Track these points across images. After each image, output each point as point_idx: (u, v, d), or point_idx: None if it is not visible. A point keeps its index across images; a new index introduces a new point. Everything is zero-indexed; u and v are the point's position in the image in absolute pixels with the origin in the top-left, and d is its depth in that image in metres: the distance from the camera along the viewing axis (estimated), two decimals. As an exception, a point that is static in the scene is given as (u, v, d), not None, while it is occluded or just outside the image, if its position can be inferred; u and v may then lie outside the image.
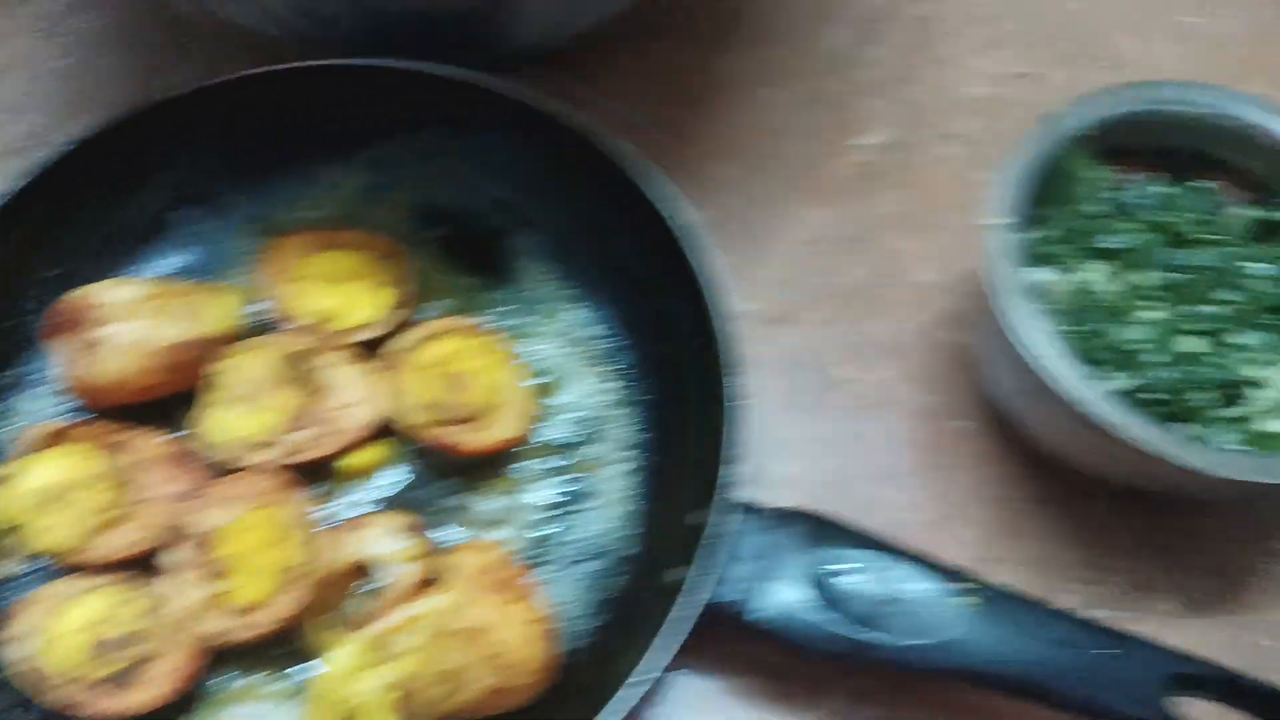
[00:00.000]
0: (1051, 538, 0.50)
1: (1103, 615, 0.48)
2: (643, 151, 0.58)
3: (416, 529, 0.46)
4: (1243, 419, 0.45)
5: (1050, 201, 0.48)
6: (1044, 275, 0.47)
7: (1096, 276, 0.47)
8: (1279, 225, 0.49)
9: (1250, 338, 0.46)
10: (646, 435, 0.50)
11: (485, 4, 0.51)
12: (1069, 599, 0.48)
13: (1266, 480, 0.41)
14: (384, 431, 0.49)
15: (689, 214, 0.49)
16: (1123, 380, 0.44)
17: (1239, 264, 0.48)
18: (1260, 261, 0.48)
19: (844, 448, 0.52)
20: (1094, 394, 0.42)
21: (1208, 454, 0.41)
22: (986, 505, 0.51)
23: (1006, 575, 0.49)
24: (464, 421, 0.48)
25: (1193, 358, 0.44)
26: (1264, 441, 0.44)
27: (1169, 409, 0.44)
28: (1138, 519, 0.50)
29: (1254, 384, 0.45)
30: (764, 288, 0.56)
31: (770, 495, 0.50)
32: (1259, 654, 0.48)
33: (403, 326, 0.50)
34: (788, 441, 0.52)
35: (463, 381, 0.48)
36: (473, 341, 0.49)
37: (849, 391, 0.53)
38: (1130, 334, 0.45)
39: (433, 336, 0.49)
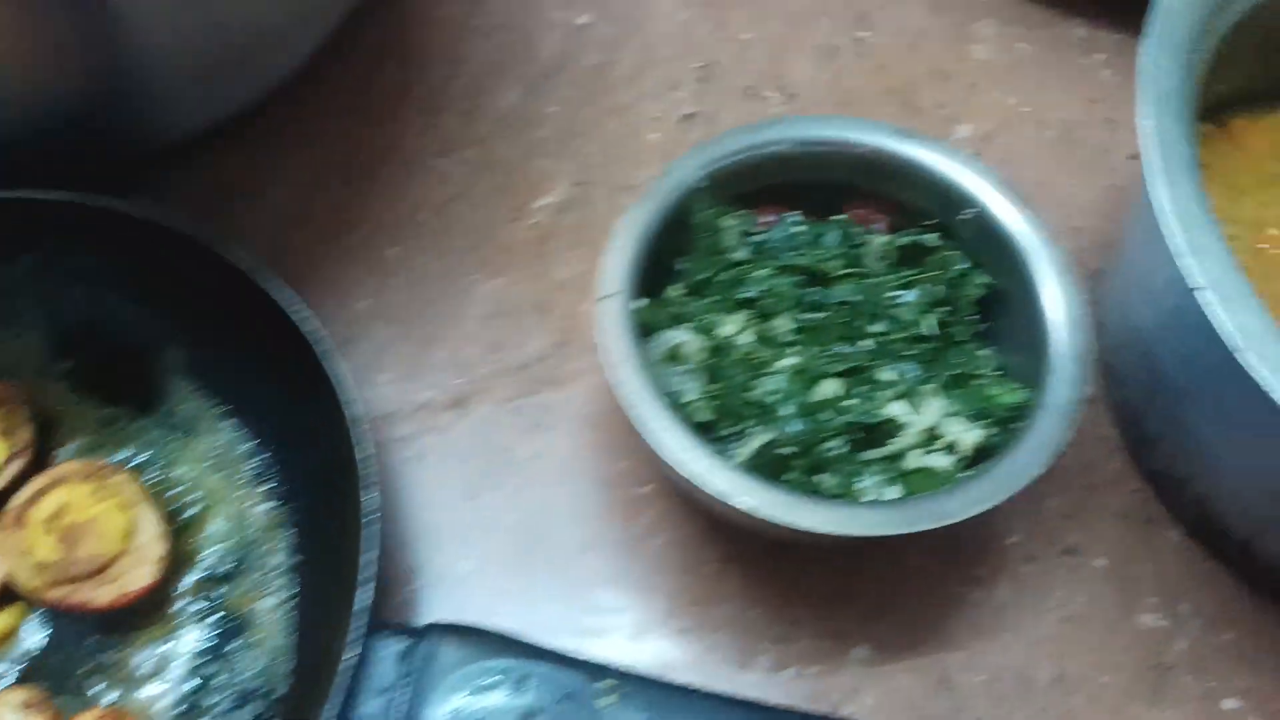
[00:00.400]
0: (740, 599, 0.48)
1: (793, 673, 0.47)
2: (305, 240, 0.56)
3: (36, 704, 0.42)
4: (894, 457, 0.44)
5: (692, 256, 0.47)
6: (680, 336, 0.45)
7: (734, 329, 0.45)
8: (920, 249, 0.48)
9: (895, 371, 0.45)
10: (298, 559, 0.46)
11: (67, 123, 0.47)
12: (763, 660, 0.47)
13: (878, 533, 0.39)
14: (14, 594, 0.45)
15: (314, 322, 0.46)
16: (763, 436, 0.43)
17: (887, 295, 0.47)
18: (903, 288, 0.47)
19: (529, 530, 0.50)
20: (701, 464, 0.40)
21: (822, 512, 0.40)
22: (675, 572, 0.49)
23: (699, 643, 0.48)
24: (93, 575, 0.44)
25: (824, 404, 0.43)
26: (913, 480, 0.43)
27: (808, 460, 0.43)
28: (824, 569, 0.48)
29: (894, 422, 0.44)
30: (441, 372, 0.53)
31: (446, 599, 0.48)
32: (959, 691, 0.47)
33: (27, 476, 0.46)
34: (469, 532, 0.49)
35: (85, 532, 0.44)
36: (96, 484, 0.46)
37: (533, 469, 0.51)
38: (767, 385, 0.44)
39: (52, 485, 0.45)
